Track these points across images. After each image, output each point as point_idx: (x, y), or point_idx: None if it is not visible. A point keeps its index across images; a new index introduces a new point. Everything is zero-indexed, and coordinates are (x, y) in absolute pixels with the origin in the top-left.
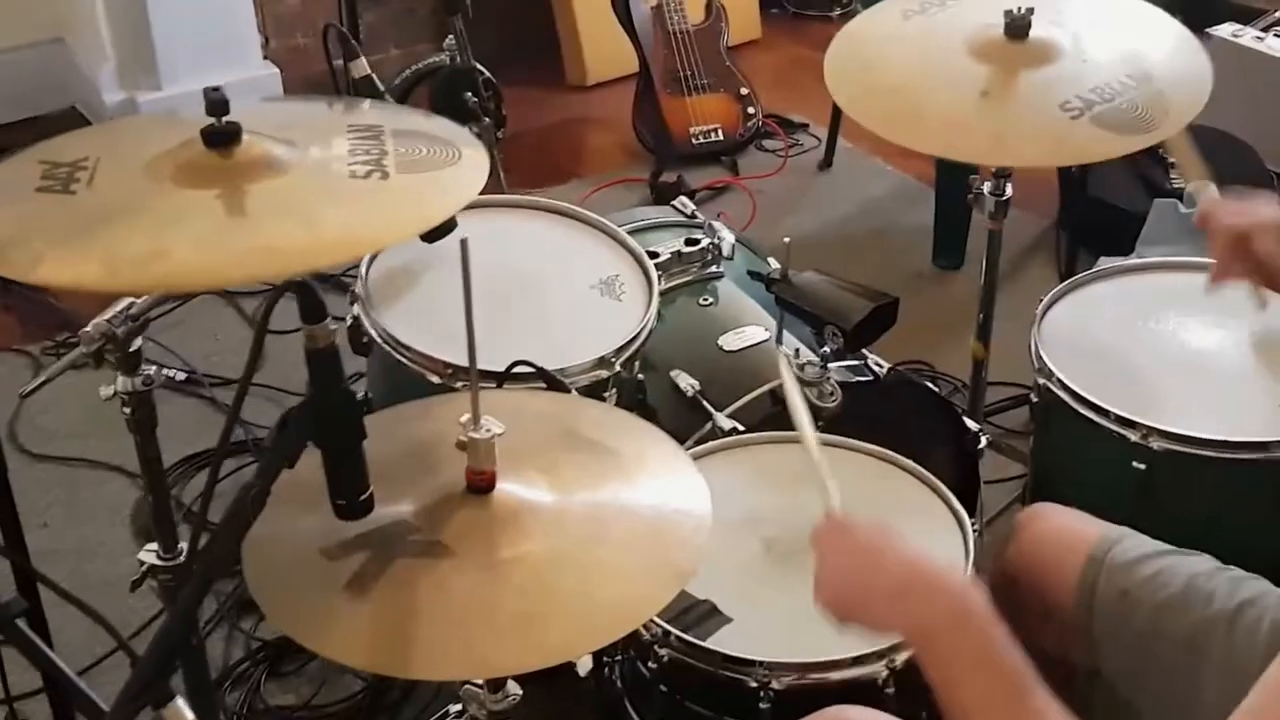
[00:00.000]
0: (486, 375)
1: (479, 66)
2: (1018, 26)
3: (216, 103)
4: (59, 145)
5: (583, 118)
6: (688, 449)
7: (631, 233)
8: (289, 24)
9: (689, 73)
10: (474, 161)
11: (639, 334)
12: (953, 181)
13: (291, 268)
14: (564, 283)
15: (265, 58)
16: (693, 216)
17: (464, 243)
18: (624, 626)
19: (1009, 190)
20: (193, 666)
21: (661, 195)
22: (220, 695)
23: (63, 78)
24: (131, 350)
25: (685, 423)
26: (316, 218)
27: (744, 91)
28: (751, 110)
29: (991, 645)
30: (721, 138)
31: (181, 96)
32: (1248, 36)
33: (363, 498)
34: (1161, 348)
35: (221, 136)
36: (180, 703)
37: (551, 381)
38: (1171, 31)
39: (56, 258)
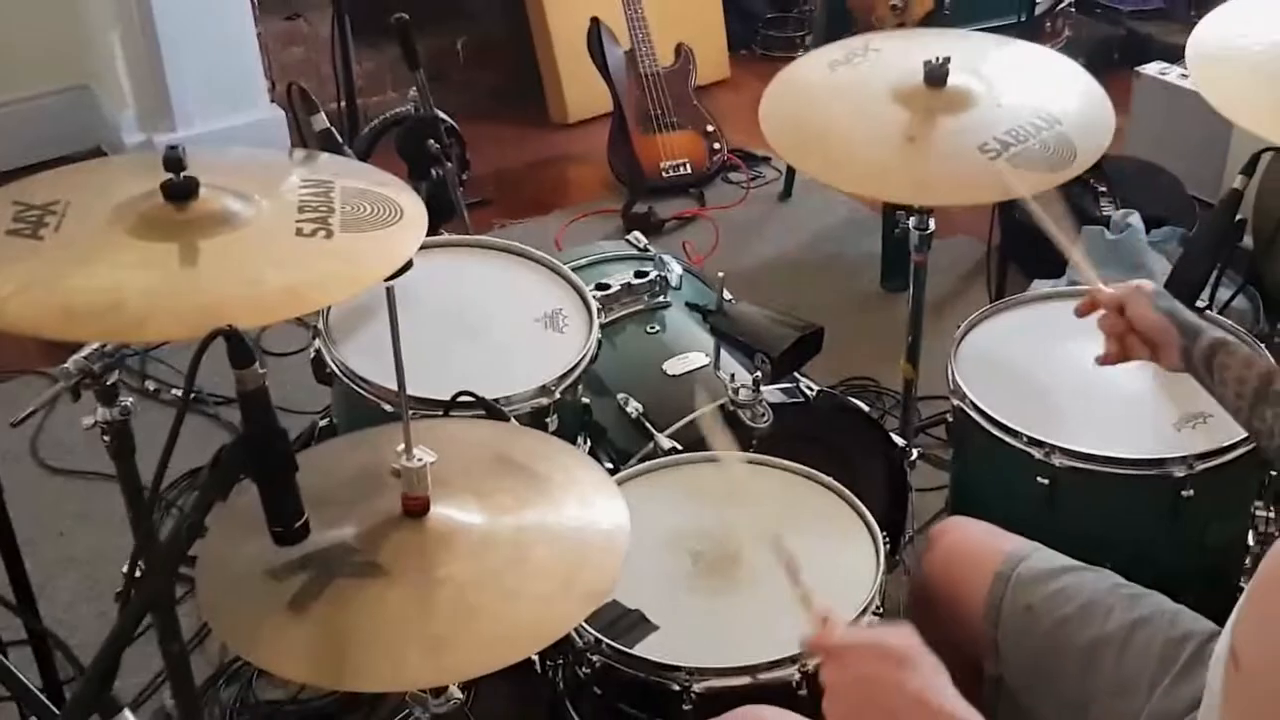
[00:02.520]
0: (433, 404)
1: (441, 114)
2: (936, 75)
3: (172, 160)
4: (33, 186)
5: (564, 154)
6: (629, 468)
7: (587, 265)
8: (294, 70)
9: (659, 112)
10: (414, 220)
11: (579, 364)
12: (898, 211)
13: (235, 323)
14: (510, 316)
15: (272, 101)
16: (644, 250)
17: (390, 290)
18: (537, 644)
19: (931, 225)
20: (179, 671)
21: (633, 225)
22: (215, 691)
23: (88, 121)
24: (109, 384)
25: (630, 442)
26: (260, 278)
27: (710, 129)
28: (717, 146)
29: None
30: (689, 171)
31: (195, 137)
32: (1173, 74)
33: (298, 524)
34: (1067, 370)
35: (179, 190)
36: (128, 715)
37: (491, 410)
38: (1076, 78)
39: (21, 303)
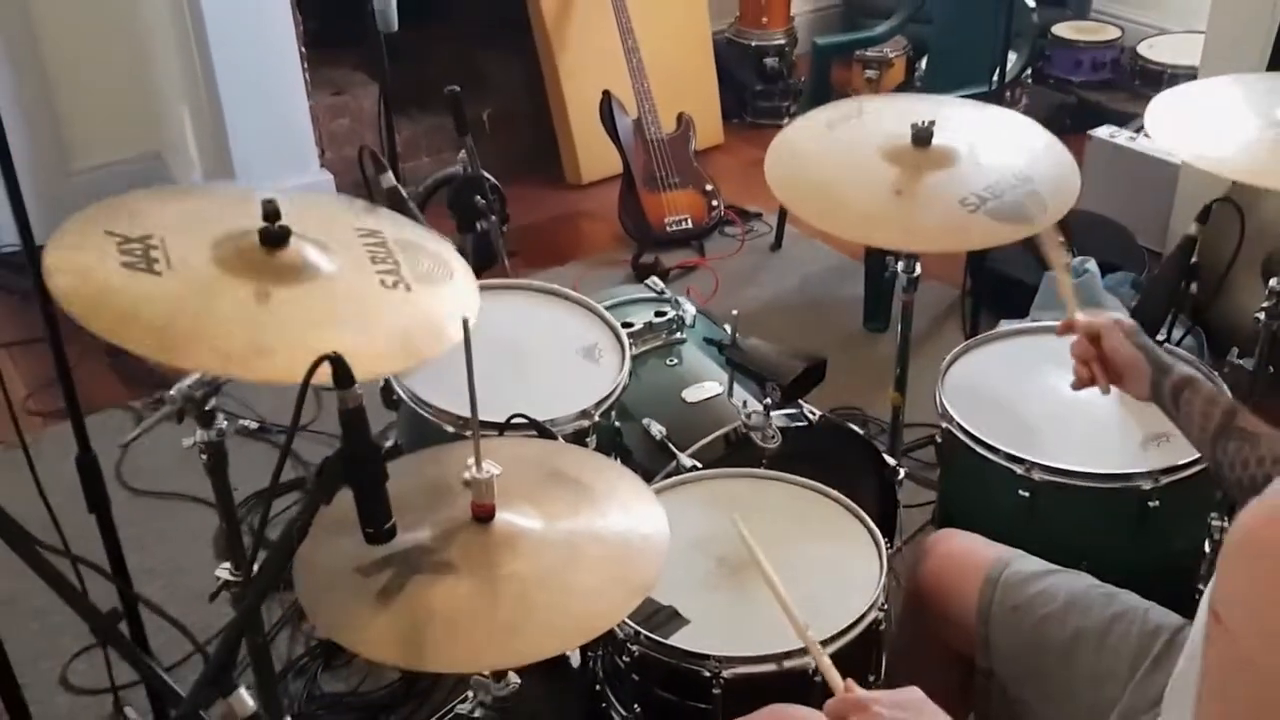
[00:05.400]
0: (490, 425)
1: (486, 174)
2: (922, 136)
3: (270, 212)
4: (118, 213)
5: (578, 210)
6: (656, 483)
7: (612, 307)
8: (341, 139)
9: (663, 173)
10: (466, 278)
11: (614, 391)
12: (878, 260)
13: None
14: (553, 350)
15: (322, 166)
16: (662, 293)
17: (465, 321)
18: (591, 632)
19: (918, 269)
20: (261, 662)
21: (641, 273)
22: (284, 684)
23: (160, 185)
24: (207, 409)
25: (655, 461)
26: (368, 328)
27: (709, 188)
28: (715, 203)
29: None
30: (690, 226)
31: None
32: (1122, 137)
33: (387, 526)
34: (1043, 396)
35: (274, 237)
36: (243, 691)
37: (542, 430)
38: (1045, 141)
39: (179, 349)
